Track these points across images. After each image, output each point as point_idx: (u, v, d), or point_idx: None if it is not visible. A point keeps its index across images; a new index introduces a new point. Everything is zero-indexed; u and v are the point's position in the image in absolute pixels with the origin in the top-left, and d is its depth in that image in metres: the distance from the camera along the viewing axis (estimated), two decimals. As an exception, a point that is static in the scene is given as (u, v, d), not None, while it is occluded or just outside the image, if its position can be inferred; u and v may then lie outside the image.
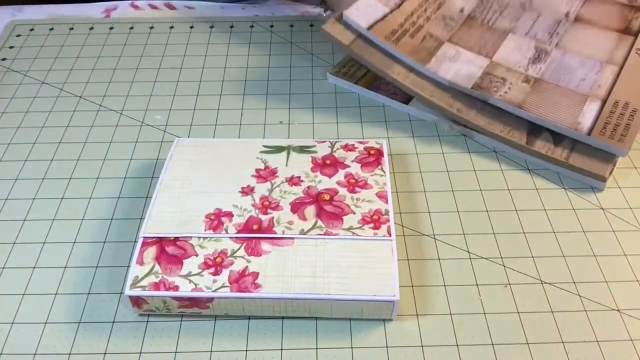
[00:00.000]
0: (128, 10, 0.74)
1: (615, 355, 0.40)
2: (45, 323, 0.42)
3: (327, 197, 0.46)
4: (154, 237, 0.44)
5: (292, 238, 0.44)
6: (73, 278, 0.45)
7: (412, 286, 0.44)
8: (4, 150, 0.55)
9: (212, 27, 0.71)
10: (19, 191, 0.51)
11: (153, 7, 0.75)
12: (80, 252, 0.47)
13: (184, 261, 0.42)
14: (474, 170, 0.53)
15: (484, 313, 0.43)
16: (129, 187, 0.52)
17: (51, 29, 0.70)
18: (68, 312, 0.43)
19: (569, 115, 0.52)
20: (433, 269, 0.45)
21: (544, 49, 0.58)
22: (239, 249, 0.43)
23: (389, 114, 0.58)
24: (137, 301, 0.41)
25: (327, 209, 0.46)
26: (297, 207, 0.46)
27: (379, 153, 0.50)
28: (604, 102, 0.53)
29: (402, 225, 0.48)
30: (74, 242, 0.47)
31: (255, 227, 0.44)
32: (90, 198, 0.51)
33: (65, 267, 0.46)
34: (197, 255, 0.43)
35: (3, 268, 0.46)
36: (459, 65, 0.56)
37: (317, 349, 0.41)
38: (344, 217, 0.45)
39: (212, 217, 0.45)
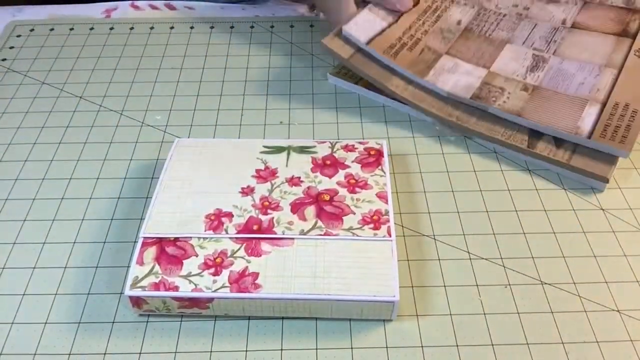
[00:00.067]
0: (128, 10, 0.74)
1: (615, 355, 0.40)
2: (45, 323, 0.42)
3: (327, 197, 0.46)
4: (154, 238, 0.44)
5: (292, 238, 0.44)
6: (73, 278, 0.45)
7: (412, 286, 0.44)
8: (4, 151, 0.55)
9: (212, 27, 0.71)
10: (19, 191, 0.51)
11: (153, 7, 0.75)
12: (80, 252, 0.47)
13: (184, 261, 0.42)
14: (474, 171, 0.53)
15: (484, 313, 0.43)
16: (129, 188, 0.52)
17: (51, 30, 0.70)
18: (68, 312, 0.43)
19: (569, 120, 0.52)
20: (433, 270, 0.45)
21: (542, 57, 0.58)
22: (239, 249, 0.43)
23: (389, 114, 0.58)
24: (137, 301, 0.41)
25: (327, 209, 0.46)
26: (297, 207, 0.46)
27: (379, 153, 0.50)
28: (604, 104, 0.53)
29: (402, 226, 0.48)
30: (74, 242, 0.47)
31: (255, 227, 0.44)
32: (90, 198, 0.51)
33: (65, 267, 0.46)
34: (197, 255, 0.43)
35: (3, 268, 0.46)
36: (457, 77, 0.57)
37: (317, 349, 0.41)
38: (344, 218, 0.45)
39: (212, 217, 0.45)
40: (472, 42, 0.61)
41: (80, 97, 0.61)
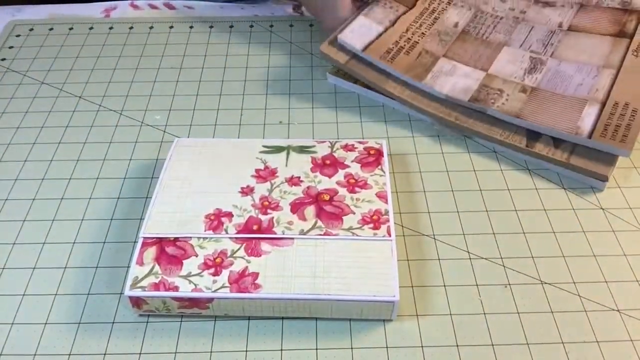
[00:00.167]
0: (128, 10, 0.74)
1: (615, 355, 0.40)
2: (45, 323, 0.42)
3: (326, 197, 0.46)
4: (153, 238, 0.44)
5: (292, 238, 0.44)
6: (73, 278, 0.45)
7: (412, 286, 0.44)
8: (4, 150, 0.55)
9: (211, 27, 0.71)
10: (19, 191, 0.51)
11: (153, 7, 0.74)
12: (80, 252, 0.47)
13: (184, 261, 0.42)
14: (474, 170, 0.53)
15: (484, 313, 0.43)
16: (129, 187, 0.52)
17: (51, 29, 0.70)
18: (68, 312, 0.43)
19: (568, 120, 0.52)
20: (433, 269, 0.45)
21: (539, 59, 0.58)
22: (238, 249, 0.43)
23: (388, 114, 0.58)
24: (137, 301, 0.41)
25: (326, 209, 0.46)
26: (296, 207, 0.46)
27: (379, 153, 0.50)
28: (603, 104, 0.53)
29: (402, 226, 0.48)
30: (74, 243, 0.47)
31: (255, 227, 0.44)
32: (90, 198, 0.51)
33: (65, 268, 0.46)
34: (197, 255, 0.43)
35: (3, 268, 0.46)
36: (455, 79, 0.57)
37: (317, 349, 0.41)
38: (343, 217, 0.45)
39: (212, 217, 0.45)
40: (470, 45, 0.61)
41: (80, 97, 0.61)
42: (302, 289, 0.41)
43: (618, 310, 0.43)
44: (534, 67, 0.58)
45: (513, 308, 0.43)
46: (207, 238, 0.44)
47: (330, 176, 0.48)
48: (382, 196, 0.46)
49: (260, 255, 0.43)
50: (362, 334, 0.41)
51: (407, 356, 0.40)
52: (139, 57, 0.66)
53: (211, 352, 0.41)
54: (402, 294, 0.43)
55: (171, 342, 0.41)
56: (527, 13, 0.64)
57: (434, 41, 0.61)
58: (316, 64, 0.65)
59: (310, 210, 0.45)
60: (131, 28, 0.71)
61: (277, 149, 0.50)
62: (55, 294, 0.44)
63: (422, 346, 0.41)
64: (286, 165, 0.49)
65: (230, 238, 0.44)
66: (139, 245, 0.43)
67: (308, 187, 0.47)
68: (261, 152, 0.50)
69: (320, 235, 0.44)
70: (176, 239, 0.44)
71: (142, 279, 0.41)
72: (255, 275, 0.41)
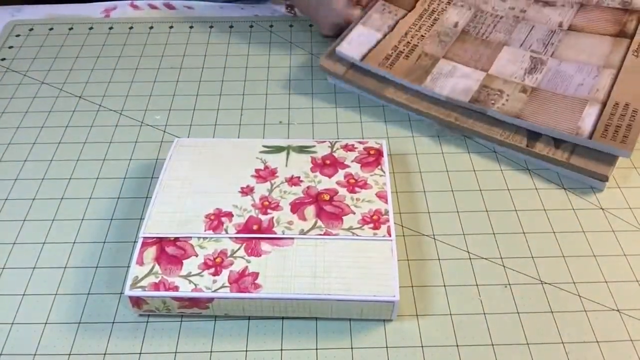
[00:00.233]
0: (127, 10, 0.74)
1: (615, 355, 0.40)
2: (45, 323, 0.42)
3: (326, 197, 0.46)
4: (154, 238, 0.44)
5: (292, 238, 0.44)
6: (73, 278, 0.45)
7: (412, 286, 0.44)
8: (4, 150, 0.55)
9: (211, 27, 0.71)
10: (19, 191, 0.51)
11: (152, 7, 0.74)
12: (80, 252, 0.47)
13: (184, 261, 0.42)
14: (474, 171, 0.53)
15: (484, 313, 0.43)
16: (129, 187, 0.52)
17: (51, 29, 0.70)
18: (68, 312, 0.43)
19: (569, 120, 0.52)
20: (433, 269, 0.45)
21: (540, 59, 0.58)
22: (238, 249, 0.43)
23: (388, 114, 0.58)
24: (137, 301, 0.41)
25: (327, 209, 0.46)
26: (297, 207, 0.46)
27: (379, 153, 0.50)
28: (604, 104, 0.53)
29: (402, 226, 0.48)
30: (74, 242, 0.47)
31: (255, 227, 0.44)
32: (90, 198, 0.51)
33: (65, 267, 0.46)
34: (197, 255, 0.43)
35: (3, 268, 0.46)
36: (455, 80, 0.57)
37: (317, 349, 0.41)
38: (343, 217, 0.45)
39: (212, 217, 0.45)
40: (470, 45, 0.61)
41: (80, 97, 0.61)
42: (302, 288, 0.41)
43: (618, 310, 0.43)
44: (535, 67, 0.58)
45: (513, 308, 0.43)
46: (207, 238, 0.44)
47: (330, 176, 0.48)
48: (382, 196, 0.46)
49: (260, 255, 0.43)
50: (362, 334, 0.41)
51: (407, 356, 0.40)
52: (138, 57, 0.66)
53: (211, 352, 0.41)
54: (402, 294, 0.43)
55: (171, 342, 0.41)
56: (527, 12, 0.64)
57: (433, 43, 0.61)
58: (316, 64, 0.65)
59: (310, 210, 0.45)
60: (131, 28, 0.71)
61: (277, 149, 0.50)
62: (55, 294, 0.44)
63: (422, 346, 0.41)
64: (286, 165, 0.49)
65: (230, 238, 0.44)
66: (139, 245, 0.43)
67: (308, 187, 0.47)
68: (261, 152, 0.50)
69: (320, 235, 0.44)
70: (176, 239, 0.44)
71: (142, 278, 0.41)
72: (255, 275, 0.41)
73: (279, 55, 0.66)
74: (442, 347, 0.41)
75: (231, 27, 0.71)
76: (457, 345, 0.41)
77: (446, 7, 0.65)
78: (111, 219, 0.49)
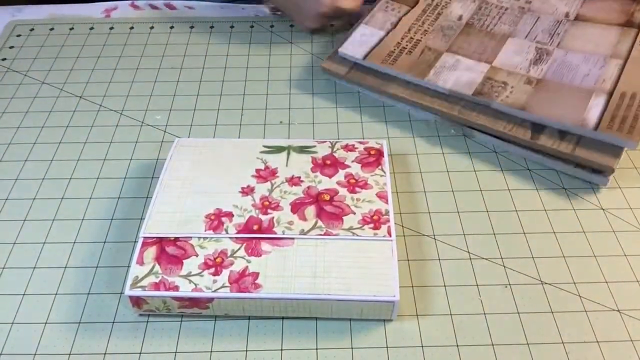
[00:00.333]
0: (128, 10, 0.74)
1: (615, 355, 0.40)
2: (45, 323, 0.42)
3: (327, 197, 0.46)
4: (154, 237, 0.44)
5: (292, 238, 0.44)
6: (73, 278, 0.45)
7: (412, 286, 0.44)
8: (4, 150, 0.55)
9: (212, 27, 0.71)
10: (19, 191, 0.51)
11: (153, 7, 0.75)
12: (80, 252, 0.47)
13: (184, 261, 0.42)
14: (474, 171, 0.53)
15: (484, 313, 0.43)
16: (129, 187, 0.52)
17: (51, 29, 0.70)
18: (68, 312, 0.43)
19: (574, 111, 0.51)
20: (433, 269, 0.45)
21: (545, 50, 0.58)
22: (239, 249, 0.43)
23: (389, 114, 0.58)
24: (137, 301, 0.41)
25: (327, 209, 0.46)
26: (297, 207, 0.46)
27: (379, 153, 0.50)
28: (610, 95, 0.52)
29: (402, 226, 0.48)
30: (74, 242, 0.47)
31: (255, 227, 0.44)
32: (90, 198, 0.51)
33: (65, 267, 0.46)
34: (197, 255, 0.43)
35: (3, 268, 0.46)
36: (459, 73, 0.56)
37: (317, 349, 0.41)
38: (344, 218, 0.45)
39: (212, 217, 0.45)
40: (474, 37, 0.60)
41: (80, 97, 0.61)
42: (302, 288, 0.41)
43: (618, 310, 0.43)
44: (540, 57, 0.57)
45: (513, 308, 0.43)
46: (207, 238, 0.44)
47: (330, 176, 0.48)
48: (382, 196, 0.46)
49: (260, 255, 0.43)
50: (362, 334, 0.41)
51: (407, 356, 0.40)
52: (139, 57, 0.66)
53: (211, 352, 0.41)
54: (402, 294, 0.43)
55: (171, 341, 0.41)
56: (533, 3, 0.64)
57: (437, 37, 0.61)
58: (316, 64, 0.65)
59: (310, 210, 0.45)
60: (132, 28, 0.71)
61: (278, 149, 0.50)
62: (56, 294, 0.44)
63: (422, 346, 0.41)
64: (286, 165, 0.49)
65: (230, 238, 0.44)
66: (139, 245, 0.43)
67: (308, 187, 0.47)
68: (262, 152, 0.50)
69: (321, 235, 0.44)
70: (176, 239, 0.44)
71: (143, 278, 0.41)
72: (256, 275, 0.41)
73: (280, 55, 0.66)
74: (442, 347, 0.41)
75: (232, 27, 0.71)
76: (457, 345, 0.41)
77: (450, 0, 0.65)
78: (111, 219, 0.49)
